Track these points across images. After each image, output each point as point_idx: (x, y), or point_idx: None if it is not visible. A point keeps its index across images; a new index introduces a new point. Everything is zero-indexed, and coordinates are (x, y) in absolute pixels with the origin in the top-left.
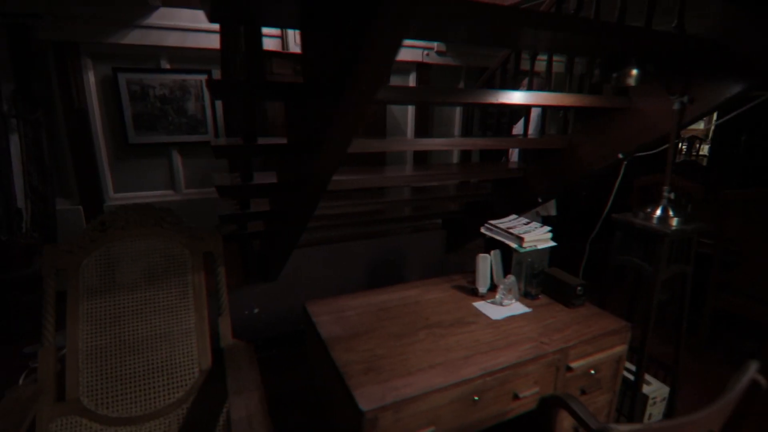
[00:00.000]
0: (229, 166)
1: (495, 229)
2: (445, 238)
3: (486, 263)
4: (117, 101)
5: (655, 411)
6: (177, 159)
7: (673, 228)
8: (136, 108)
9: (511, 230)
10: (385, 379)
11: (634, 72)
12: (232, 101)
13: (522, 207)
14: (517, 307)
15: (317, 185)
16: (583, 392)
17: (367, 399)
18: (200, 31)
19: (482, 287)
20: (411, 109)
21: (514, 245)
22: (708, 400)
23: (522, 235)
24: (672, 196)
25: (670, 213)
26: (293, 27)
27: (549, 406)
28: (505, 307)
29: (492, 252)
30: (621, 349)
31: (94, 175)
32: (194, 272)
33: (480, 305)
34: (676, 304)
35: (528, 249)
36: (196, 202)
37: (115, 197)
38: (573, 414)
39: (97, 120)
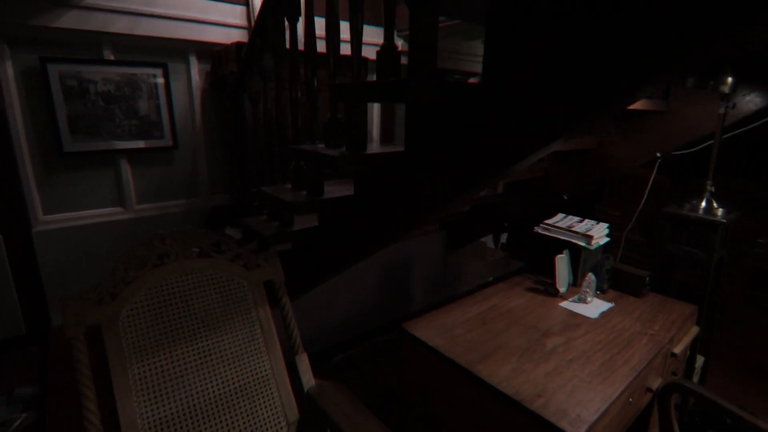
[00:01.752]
0: (230, 171)
1: (555, 228)
2: (445, 240)
3: (563, 263)
4: (47, 99)
5: (695, 379)
6: (126, 169)
7: (720, 217)
8: (73, 108)
9: (573, 229)
10: (565, 398)
11: (729, 80)
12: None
13: (544, 206)
14: (600, 303)
15: (431, 207)
16: (674, 374)
17: (568, 423)
18: (156, 17)
19: (563, 287)
20: (377, 109)
21: (582, 243)
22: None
23: (590, 233)
24: (713, 189)
25: (714, 204)
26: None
27: (668, 393)
28: (590, 305)
29: (564, 252)
30: (695, 330)
31: (16, 194)
32: (258, 307)
33: (567, 305)
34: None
35: (596, 246)
36: (151, 220)
37: (46, 220)
38: (700, 398)
39: (18, 123)
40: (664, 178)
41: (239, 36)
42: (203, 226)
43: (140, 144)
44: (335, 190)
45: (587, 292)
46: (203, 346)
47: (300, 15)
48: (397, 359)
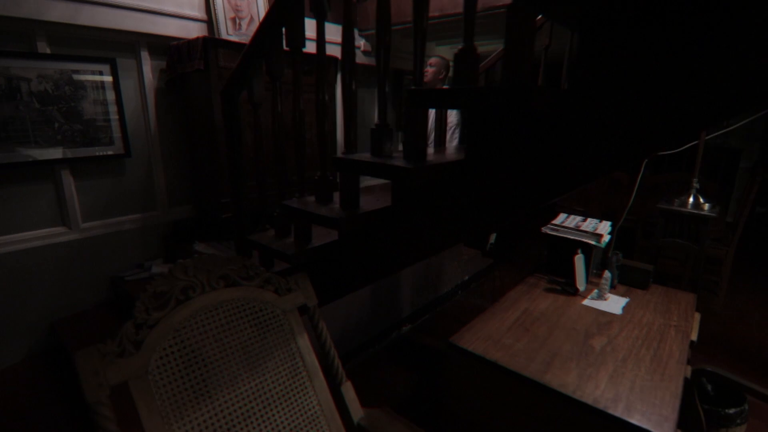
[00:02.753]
0: (193, 180)
1: (564, 228)
2: None
3: (581, 263)
4: None
5: None
6: (69, 182)
7: (708, 211)
8: (0, 111)
9: (582, 228)
10: (639, 400)
11: None
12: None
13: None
14: (616, 299)
15: (496, 216)
16: (689, 362)
17: (656, 425)
18: (101, 5)
19: (582, 286)
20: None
21: (593, 242)
22: None
23: (599, 232)
24: (698, 186)
25: (701, 200)
26: None
27: (698, 378)
28: (609, 301)
29: (579, 251)
30: (698, 316)
31: None
32: (296, 336)
33: (590, 303)
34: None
35: (603, 243)
36: (101, 239)
37: None
38: (726, 381)
39: None
40: (622, 175)
41: (198, 30)
42: (164, 243)
43: (85, 152)
44: (368, 201)
45: (605, 289)
46: (246, 390)
47: (329, 10)
48: (444, 375)
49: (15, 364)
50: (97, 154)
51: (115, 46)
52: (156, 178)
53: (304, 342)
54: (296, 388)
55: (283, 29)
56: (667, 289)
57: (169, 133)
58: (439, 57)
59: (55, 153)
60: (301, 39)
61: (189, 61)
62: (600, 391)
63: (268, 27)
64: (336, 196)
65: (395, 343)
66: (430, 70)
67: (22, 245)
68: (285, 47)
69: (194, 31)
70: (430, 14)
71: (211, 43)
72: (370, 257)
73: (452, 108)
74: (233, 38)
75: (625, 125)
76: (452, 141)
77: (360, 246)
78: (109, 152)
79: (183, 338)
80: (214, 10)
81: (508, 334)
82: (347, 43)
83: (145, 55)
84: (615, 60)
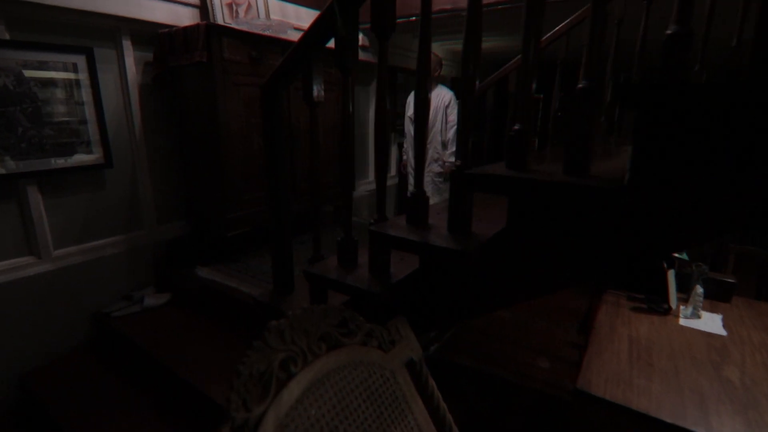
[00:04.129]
0: (188, 192)
1: None
2: None
3: (673, 278)
4: None
5: None
6: (36, 201)
7: None
8: None
9: None
10: None
11: None
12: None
13: None
14: (709, 316)
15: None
16: None
17: None
18: None
19: (674, 303)
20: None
21: (680, 255)
22: None
23: None
24: None
25: None
26: None
27: None
28: (703, 319)
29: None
30: None
31: None
32: (410, 403)
33: (687, 323)
34: None
35: (685, 255)
36: (78, 269)
37: None
38: None
39: None
40: None
41: (190, 16)
42: (156, 268)
43: (56, 163)
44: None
45: (699, 305)
46: None
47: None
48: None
49: None
50: (72, 165)
51: (92, 33)
52: (142, 191)
53: (419, 409)
54: None
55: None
56: (749, 301)
57: (157, 137)
58: (432, 54)
59: (19, 165)
60: (393, 20)
61: (185, 53)
62: None
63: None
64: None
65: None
66: None
67: None
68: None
69: (185, 17)
70: (442, 7)
71: (215, 31)
72: (466, 291)
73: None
74: (233, 26)
75: None
76: (454, 141)
77: (457, 277)
78: (86, 162)
79: (296, 426)
80: None
81: (634, 372)
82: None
83: (127, 45)
84: None
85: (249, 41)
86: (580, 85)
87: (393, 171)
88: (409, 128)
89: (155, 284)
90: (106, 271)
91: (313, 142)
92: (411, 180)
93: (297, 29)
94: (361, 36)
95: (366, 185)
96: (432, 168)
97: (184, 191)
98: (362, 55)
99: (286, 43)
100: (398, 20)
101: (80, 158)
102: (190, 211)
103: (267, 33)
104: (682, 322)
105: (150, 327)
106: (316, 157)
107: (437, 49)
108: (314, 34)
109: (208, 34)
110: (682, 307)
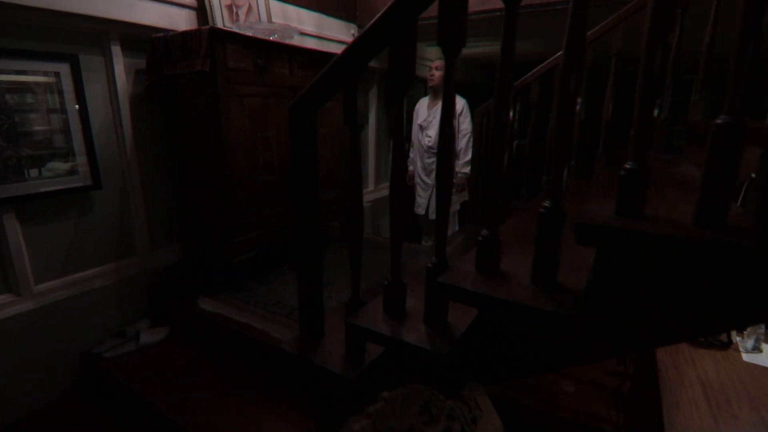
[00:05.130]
0: (185, 213)
1: None
2: None
3: None
4: None
5: None
6: (14, 231)
7: None
8: None
9: None
10: None
11: None
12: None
13: None
14: None
15: None
16: None
17: None
18: None
19: (735, 337)
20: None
21: None
22: None
23: None
24: None
25: None
26: None
27: None
28: (765, 354)
29: None
30: None
31: None
32: None
33: (751, 359)
34: None
35: None
36: (64, 306)
37: None
38: None
39: None
40: None
41: (186, 19)
42: (151, 299)
43: (36, 186)
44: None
45: (761, 338)
46: None
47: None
48: None
49: None
50: (55, 188)
51: (77, 38)
52: (134, 213)
53: None
54: None
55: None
56: None
57: (150, 153)
58: (439, 59)
59: None
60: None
61: (184, 60)
62: None
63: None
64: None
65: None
66: (437, 74)
67: None
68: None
69: (181, 20)
70: (471, 9)
71: (219, 36)
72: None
73: None
74: (237, 31)
75: None
76: (467, 151)
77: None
78: (71, 184)
79: None
80: None
81: (720, 428)
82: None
83: (116, 51)
84: None
85: (254, 47)
86: (719, 121)
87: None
88: (418, 137)
89: (151, 317)
90: (96, 306)
91: (354, 172)
92: (419, 192)
93: (304, 34)
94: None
95: (365, 195)
96: None
97: (181, 212)
98: None
99: (293, 50)
100: None
101: (64, 180)
102: (189, 234)
103: (273, 38)
104: (745, 357)
105: (147, 369)
106: (356, 189)
107: (436, 53)
108: (365, 44)
109: (211, 39)
110: (738, 339)
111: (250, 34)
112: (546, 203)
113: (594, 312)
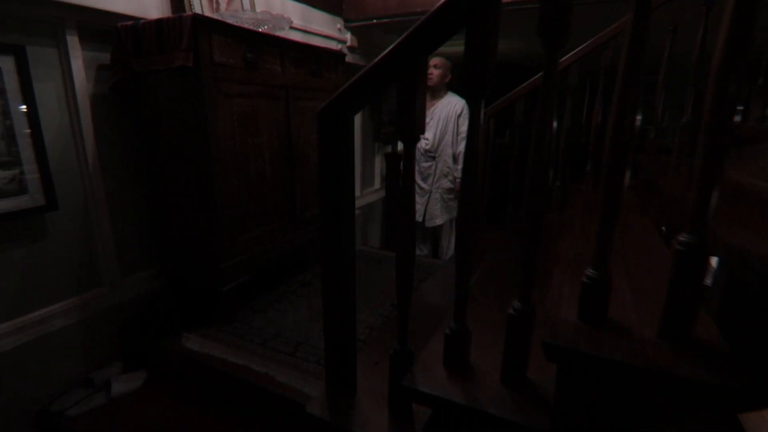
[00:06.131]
0: (168, 231)
1: None
2: None
3: None
4: None
5: None
6: None
7: None
8: None
9: None
10: None
11: None
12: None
13: None
14: None
15: None
16: None
17: None
18: None
19: None
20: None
21: None
22: None
23: None
24: None
25: None
26: None
27: None
28: None
29: None
30: None
31: None
32: None
33: None
34: None
35: None
36: (12, 355)
37: None
38: None
39: None
40: None
41: (158, 6)
42: (122, 336)
43: None
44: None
45: None
46: None
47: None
48: None
49: None
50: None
51: (24, 27)
52: (100, 236)
53: None
54: None
55: None
56: None
57: (118, 165)
58: (442, 58)
59: None
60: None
61: (160, 54)
62: None
63: None
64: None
65: None
66: (435, 72)
67: None
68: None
69: (152, 7)
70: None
71: (204, 25)
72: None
73: None
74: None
75: None
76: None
77: None
78: (19, 205)
79: None
80: None
81: None
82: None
83: (73, 42)
84: None
85: (243, 40)
86: (681, 239)
87: (377, 183)
88: None
89: (124, 359)
90: (55, 351)
91: (404, 204)
92: (415, 198)
93: (292, 28)
94: (348, 36)
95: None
96: (441, 184)
97: (157, 232)
98: (348, 57)
99: (285, 44)
100: (378, 20)
101: (10, 201)
102: (167, 257)
103: (263, 30)
104: None
105: (122, 428)
106: (408, 214)
107: None
108: (434, 26)
109: (195, 29)
110: None
111: (242, 25)
112: (516, 305)
113: (567, 424)
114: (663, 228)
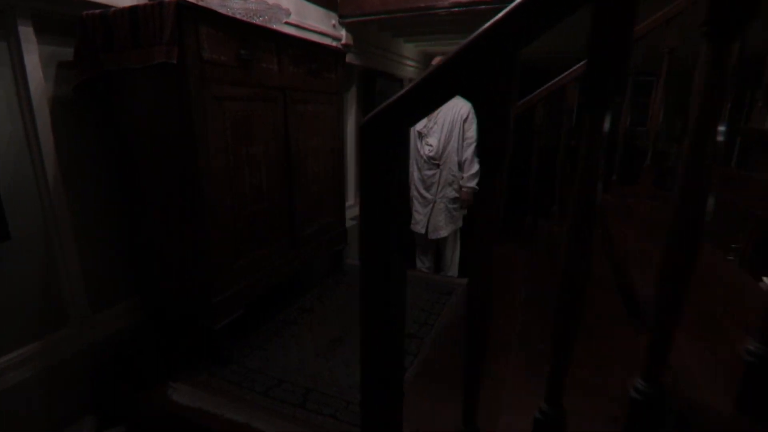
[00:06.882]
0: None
1: None
2: None
3: None
4: None
5: None
6: None
7: None
8: None
9: None
10: None
11: None
12: None
13: None
14: None
15: None
16: None
17: None
18: None
19: None
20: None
21: None
22: None
23: None
24: None
25: None
26: None
27: None
28: None
29: None
30: None
31: None
32: None
33: None
34: None
35: None
36: None
37: None
38: None
39: None
40: None
41: None
42: (94, 386)
43: None
44: None
45: None
46: None
47: None
48: None
49: None
50: None
51: None
52: (64, 267)
53: None
54: None
55: None
56: None
57: (85, 181)
58: (445, 56)
59: None
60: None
61: (135, 48)
62: None
63: None
64: None
65: None
66: None
67: None
68: None
69: None
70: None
71: (190, 14)
72: None
73: None
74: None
75: None
76: (473, 162)
77: None
78: None
79: None
80: None
81: None
82: None
83: (27, 34)
84: None
85: (236, 33)
86: None
87: None
88: (416, 145)
89: (96, 413)
90: (11, 414)
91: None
92: (417, 208)
93: (287, 23)
94: (343, 32)
95: (346, 211)
96: (446, 193)
97: (134, 260)
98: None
99: (283, 39)
100: (371, 17)
101: None
102: (147, 289)
103: (258, 21)
104: None
105: None
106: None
107: (412, 50)
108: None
109: (179, 18)
110: None
111: (235, 15)
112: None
113: None
114: None
